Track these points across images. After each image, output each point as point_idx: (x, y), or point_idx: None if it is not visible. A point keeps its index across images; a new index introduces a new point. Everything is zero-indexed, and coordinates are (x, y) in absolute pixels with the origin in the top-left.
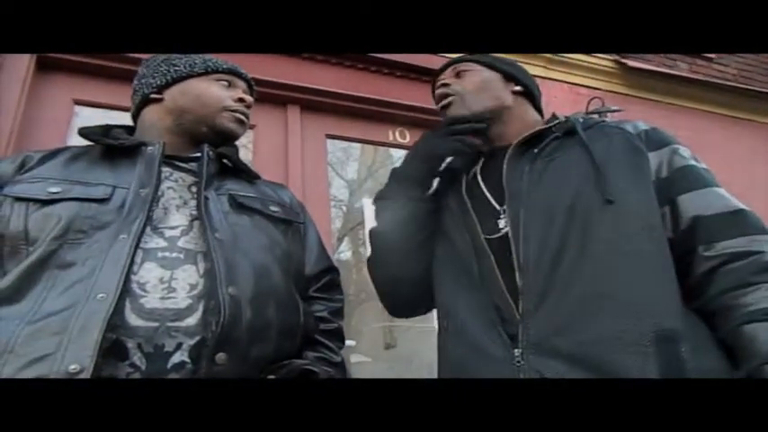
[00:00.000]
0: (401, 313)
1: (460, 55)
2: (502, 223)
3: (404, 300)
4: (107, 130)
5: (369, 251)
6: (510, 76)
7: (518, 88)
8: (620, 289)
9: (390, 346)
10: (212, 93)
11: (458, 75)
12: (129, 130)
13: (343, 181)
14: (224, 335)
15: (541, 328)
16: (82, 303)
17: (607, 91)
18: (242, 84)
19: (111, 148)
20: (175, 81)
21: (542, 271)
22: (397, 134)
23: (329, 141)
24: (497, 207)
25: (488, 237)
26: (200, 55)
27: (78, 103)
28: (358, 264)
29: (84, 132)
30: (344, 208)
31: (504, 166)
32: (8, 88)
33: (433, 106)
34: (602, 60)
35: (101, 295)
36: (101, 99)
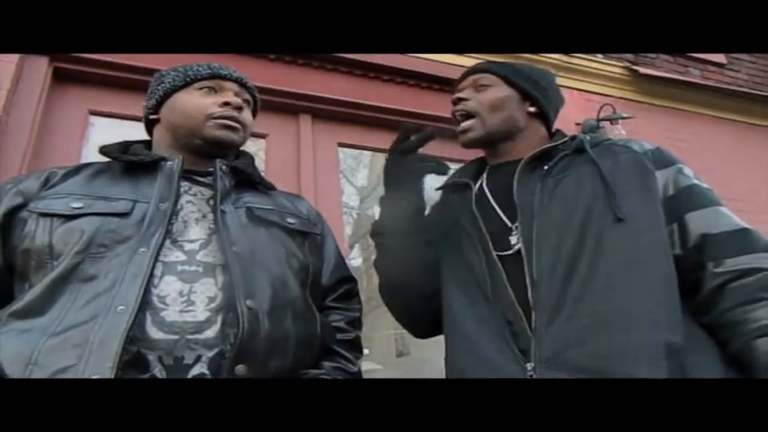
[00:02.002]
0: (425, 336)
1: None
2: (513, 240)
3: (424, 328)
4: (126, 146)
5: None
6: (528, 96)
7: (533, 109)
8: (631, 304)
9: (402, 354)
10: (193, 104)
11: (477, 88)
12: (147, 144)
13: (354, 188)
14: (243, 347)
15: (554, 343)
16: (102, 316)
17: (618, 98)
18: (230, 85)
19: (132, 163)
20: (164, 98)
21: (555, 286)
22: None
23: (340, 150)
24: (509, 224)
25: (500, 253)
26: (188, 64)
27: (93, 113)
28: (368, 271)
29: (104, 151)
30: (355, 215)
31: (515, 183)
32: (25, 99)
33: (442, 114)
34: (614, 67)
35: (120, 308)
36: (116, 110)
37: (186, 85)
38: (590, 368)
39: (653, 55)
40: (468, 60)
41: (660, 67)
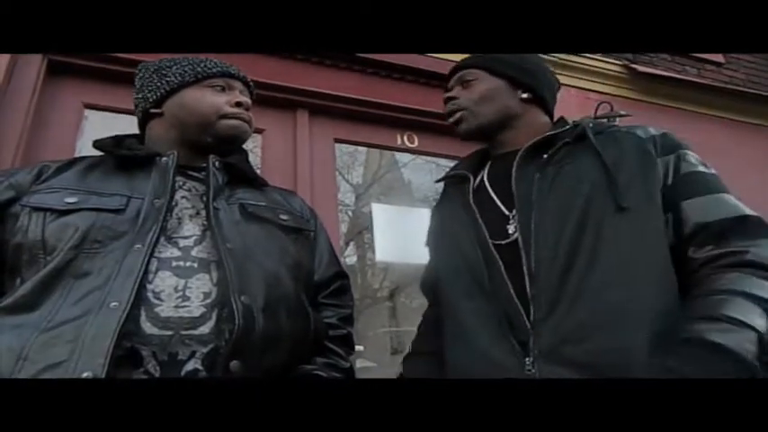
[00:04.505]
0: None
1: (465, 57)
2: (511, 228)
3: None
4: (120, 140)
5: (375, 256)
6: (517, 82)
7: (526, 95)
8: (629, 299)
9: (397, 351)
10: (207, 102)
11: (464, 85)
12: (141, 139)
13: (350, 185)
14: (237, 343)
15: (552, 337)
16: (95, 312)
17: (616, 96)
18: (237, 84)
19: (126, 158)
20: (170, 93)
21: (553, 278)
22: (405, 138)
23: (337, 146)
24: (506, 212)
25: (497, 242)
26: (190, 59)
27: (88, 106)
28: (364, 268)
29: (97, 145)
30: (350, 213)
31: (514, 172)
32: (19, 92)
33: (441, 111)
34: (611, 65)
35: (113, 304)
36: (110, 103)
37: (196, 81)
38: (588, 364)
39: (651, 53)
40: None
41: (658, 65)
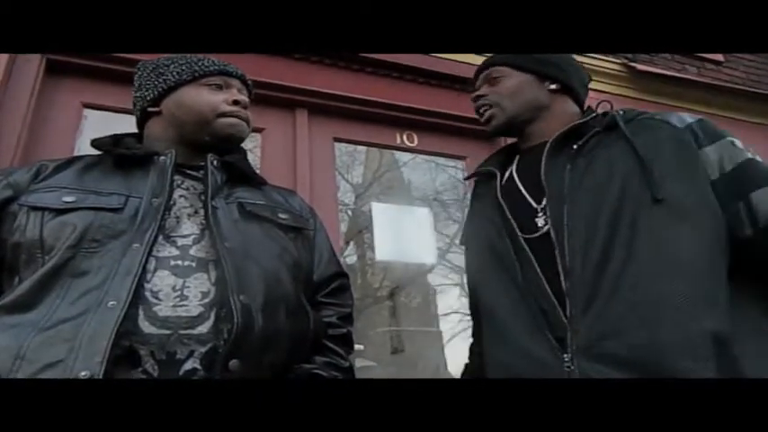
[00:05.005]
0: None
1: (489, 56)
2: (540, 221)
3: None
4: (118, 139)
5: (375, 255)
6: (543, 75)
7: (554, 86)
8: (670, 292)
9: (398, 351)
10: (204, 100)
11: (491, 82)
12: (139, 138)
13: (349, 185)
14: (236, 342)
15: (591, 332)
16: (93, 311)
17: (615, 94)
18: (235, 82)
19: (124, 157)
20: (167, 92)
21: (589, 273)
22: (404, 137)
23: (336, 145)
24: (534, 204)
25: (527, 236)
26: (188, 57)
27: (87, 106)
28: (364, 268)
29: (95, 144)
30: (350, 212)
31: (543, 164)
32: (18, 92)
33: (440, 109)
34: (611, 64)
35: (111, 303)
36: (109, 102)
37: (194, 79)
38: (629, 360)
39: (651, 53)
40: (465, 57)
41: (658, 64)
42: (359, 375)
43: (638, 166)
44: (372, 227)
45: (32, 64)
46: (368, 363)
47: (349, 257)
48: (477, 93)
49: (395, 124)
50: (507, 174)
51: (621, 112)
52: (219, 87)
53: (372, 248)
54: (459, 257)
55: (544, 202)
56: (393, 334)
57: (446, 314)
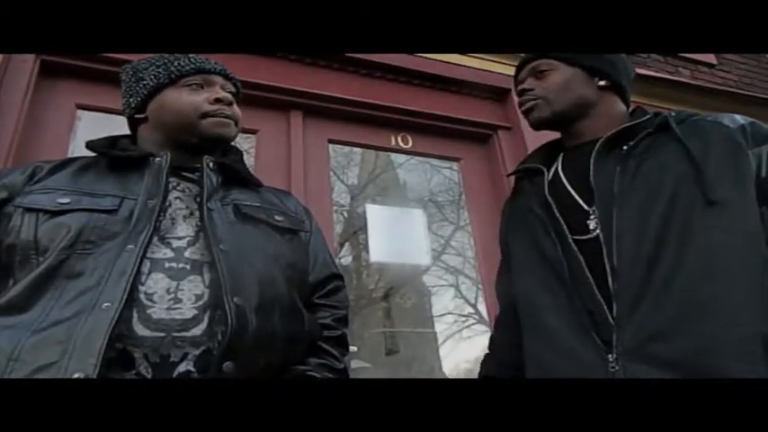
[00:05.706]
0: None
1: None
2: (592, 224)
3: None
4: (113, 141)
5: (370, 257)
6: (593, 70)
7: (603, 83)
8: (722, 294)
9: (392, 352)
10: (184, 102)
11: (537, 75)
12: (134, 139)
13: (344, 186)
14: (231, 344)
15: (638, 334)
16: (87, 313)
17: None
18: (216, 79)
19: (119, 159)
20: (149, 97)
21: (638, 274)
22: (399, 139)
23: (331, 146)
24: (585, 207)
25: (577, 238)
26: (165, 58)
27: (81, 107)
28: (359, 269)
29: (90, 145)
30: (345, 213)
31: (592, 165)
32: (11, 93)
33: (435, 111)
34: None
35: (106, 305)
36: (103, 104)
37: (172, 82)
38: (675, 362)
39: (644, 54)
40: (462, 59)
41: (651, 66)
42: (353, 377)
43: (691, 169)
44: (367, 228)
45: (26, 65)
46: (362, 364)
47: (344, 259)
48: (523, 86)
49: (390, 126)
50: (552, 171)
51: (674, 114)
52: (200, 86)
53: (367, 250)
54: (453, 259)
55: (595, 205)
56: (388, 335)
57: (441, 315)
